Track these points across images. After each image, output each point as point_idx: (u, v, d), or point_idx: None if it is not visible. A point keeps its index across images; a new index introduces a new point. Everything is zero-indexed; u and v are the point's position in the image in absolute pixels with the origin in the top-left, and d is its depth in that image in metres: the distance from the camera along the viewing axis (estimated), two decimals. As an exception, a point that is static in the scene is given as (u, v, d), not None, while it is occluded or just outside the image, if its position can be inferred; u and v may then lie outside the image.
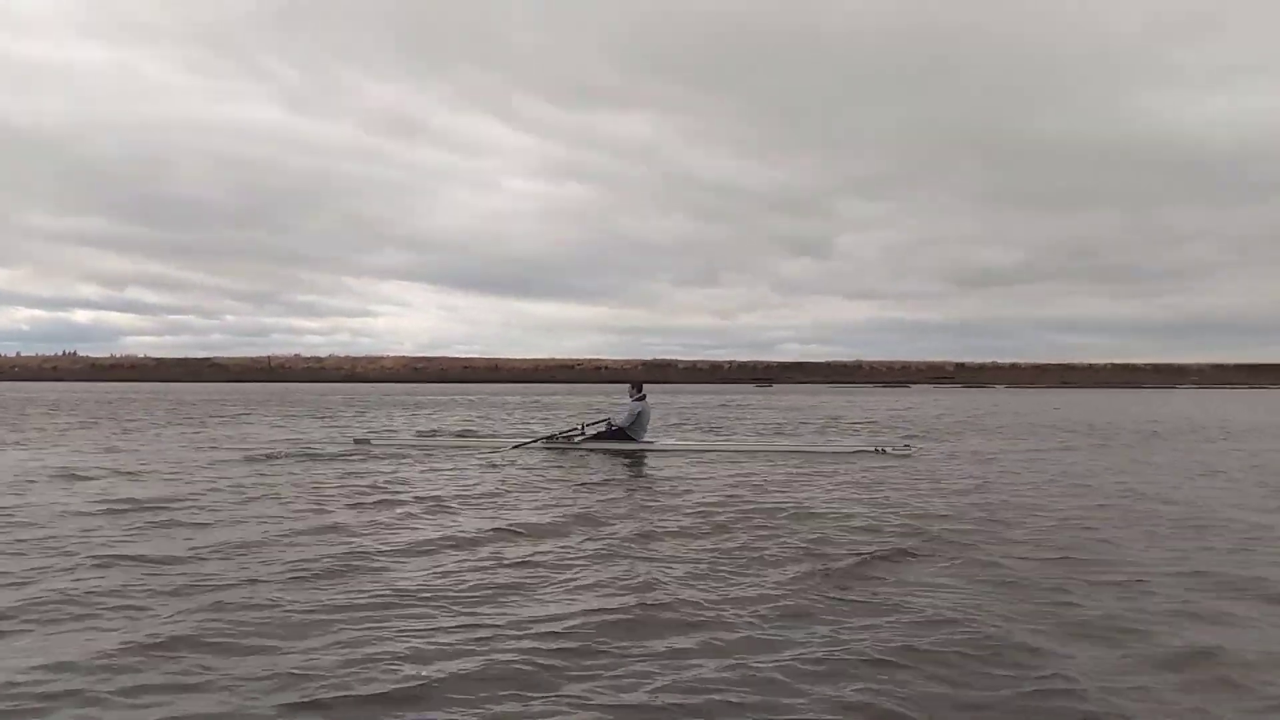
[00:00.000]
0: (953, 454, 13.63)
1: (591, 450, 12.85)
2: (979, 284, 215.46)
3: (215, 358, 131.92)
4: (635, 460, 12.07)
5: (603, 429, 13.25)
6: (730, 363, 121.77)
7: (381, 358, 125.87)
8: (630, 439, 13.00)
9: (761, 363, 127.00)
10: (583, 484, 9.38)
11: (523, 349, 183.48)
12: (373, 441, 14.01)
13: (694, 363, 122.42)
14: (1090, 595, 4.67)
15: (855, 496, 8.47)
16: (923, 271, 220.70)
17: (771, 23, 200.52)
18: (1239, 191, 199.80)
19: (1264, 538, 6.45)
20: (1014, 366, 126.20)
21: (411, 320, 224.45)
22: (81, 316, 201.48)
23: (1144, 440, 17.23)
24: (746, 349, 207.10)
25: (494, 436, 15.69)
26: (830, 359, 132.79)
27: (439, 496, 8.23)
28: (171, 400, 40.28)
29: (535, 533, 6.42)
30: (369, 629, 3.98)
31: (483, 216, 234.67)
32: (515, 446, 13.26)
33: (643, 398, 13.34)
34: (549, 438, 13.61)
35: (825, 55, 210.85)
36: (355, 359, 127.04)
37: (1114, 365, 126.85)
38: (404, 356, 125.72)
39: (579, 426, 13.58)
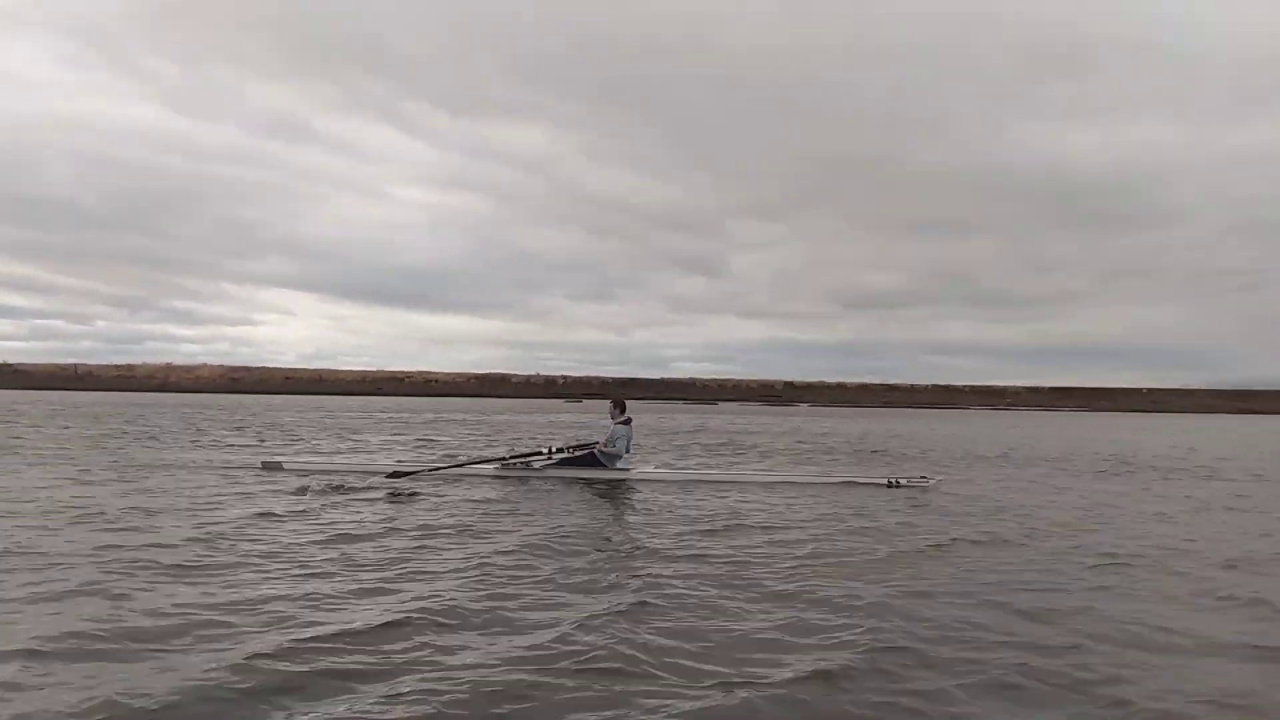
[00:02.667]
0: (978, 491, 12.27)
1: (557, 478, 11.38)
2: (864, 306, 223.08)
3: (19, 364, 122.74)
4: (608, 491, 10.70)
5: (569, 454, 11.72)
6: (564, 377, 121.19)
7: (198, 367, 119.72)
8: (600, 465, 11.58)
9: (597, 378, 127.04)
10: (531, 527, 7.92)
11: (414, 362, 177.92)
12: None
13: (528, 377, 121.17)
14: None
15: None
16: (812, 293, 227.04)
17: (670, 42, 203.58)
18: (1107, 222, 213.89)
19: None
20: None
21: (295, 330, 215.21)
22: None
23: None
24: (641, 366, 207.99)
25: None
26: (667, 376, 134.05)
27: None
28: None
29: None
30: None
31: (371, 224, 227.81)
32: (455, 466, 11.99)
33: (627, 421, 11.86)
34: (502, 460, 11.90)
35: (722, 77, 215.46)
36: (173, 367, 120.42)
37: (936, 386, 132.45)
38: (221, 366, 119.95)
39: (547, 450, 11.94)
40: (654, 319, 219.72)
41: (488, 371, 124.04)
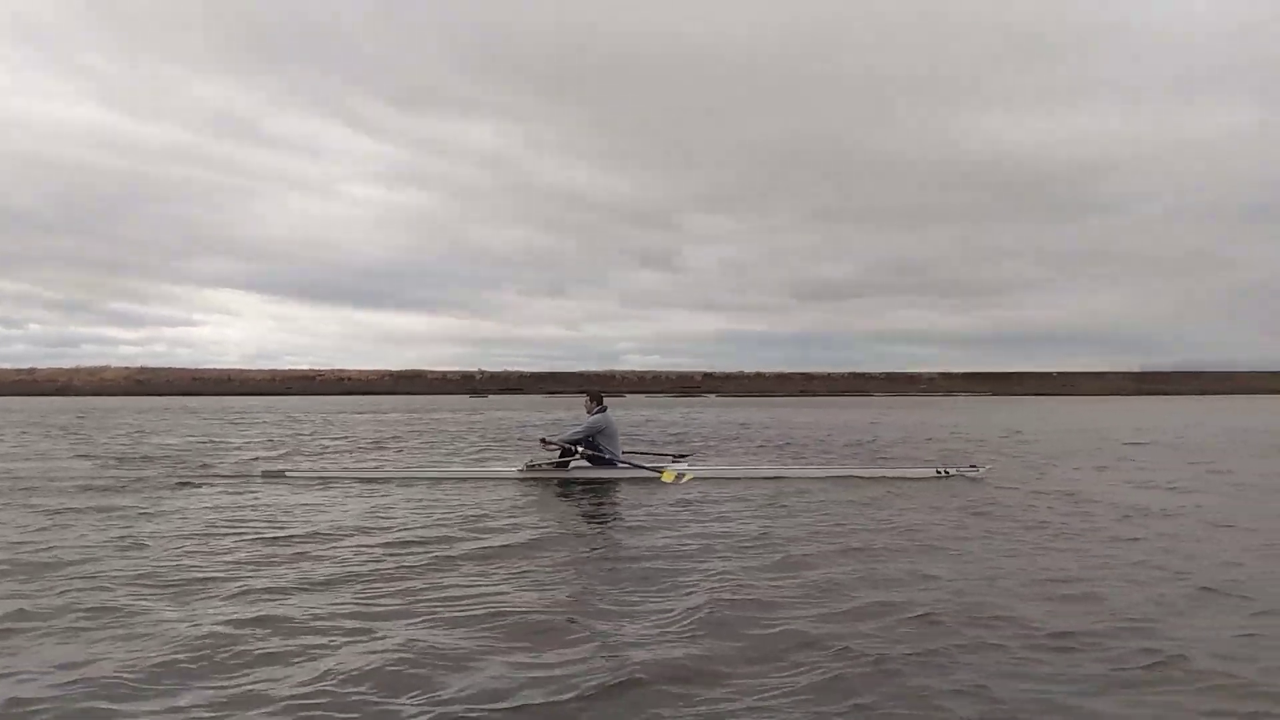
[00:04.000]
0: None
1: (563, 478, 10.93)
2: (817, 297, 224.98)
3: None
4: (601, 490, 10.20)
5: (555, 454, 11.17)
6: (481, 372, 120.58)
7: (102, 369, 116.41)
8: (609, 462, 11.02)
9: (513, 374, 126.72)
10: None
11: (363, 360, 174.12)
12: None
13: (444, 373, 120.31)
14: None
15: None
16: (765, 284, 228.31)
17: (621, 35, 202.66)
18: (1059, 211, 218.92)
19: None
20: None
21: (240, 330, 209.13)
22: None
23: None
24: (592, 359, 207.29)
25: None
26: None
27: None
28: None
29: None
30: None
31: (317, 222, 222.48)
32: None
33: (603, 410, 11.36)
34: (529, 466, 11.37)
35: (674, 69, 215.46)
36: (74, 370, 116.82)
37: (849, 374, 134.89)
38: (126, 368, 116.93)
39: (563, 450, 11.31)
40: (606, 313, 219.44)
41: (403, 369, 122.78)
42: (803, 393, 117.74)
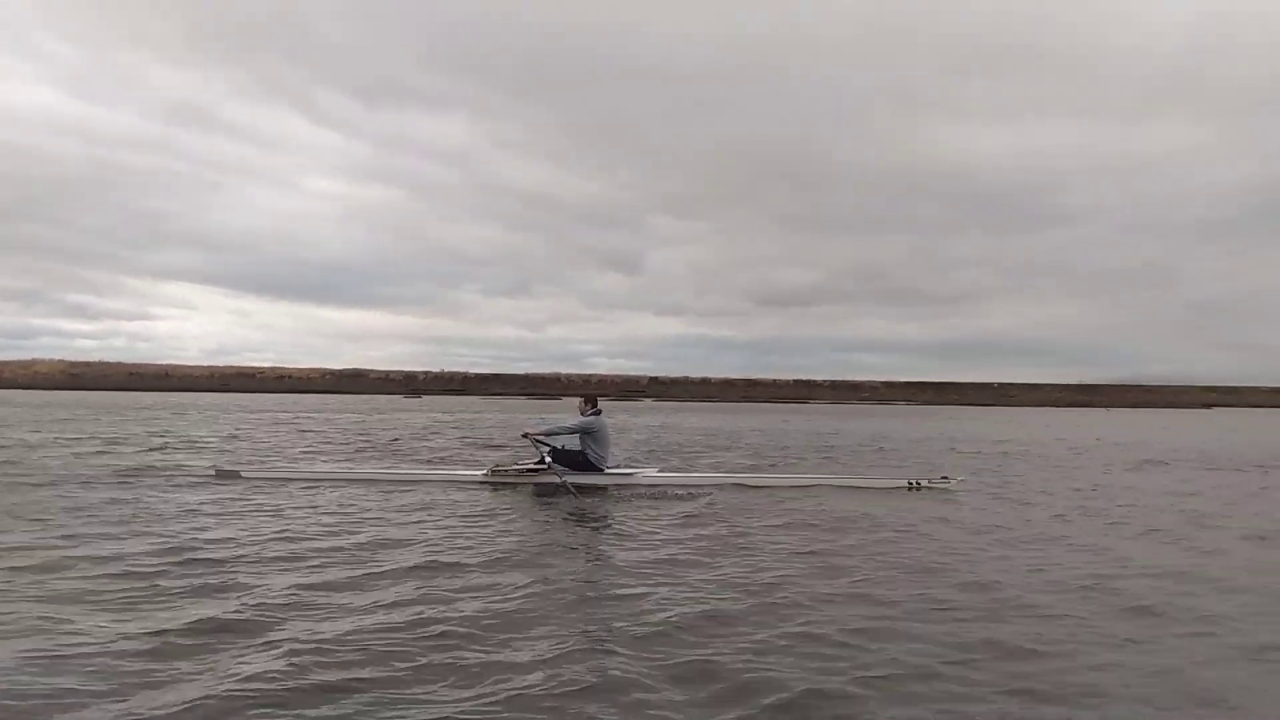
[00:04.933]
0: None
1: (535, 484, 10.40)
2: (780, 303, 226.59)
3: None
4: (592, 498, 9.63)
5: (544, 454, 10.47)
6: (426, 373, 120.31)
7: (34, 362, 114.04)
8: (595, 468, 10.44)
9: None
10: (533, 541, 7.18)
11: (322, 358, 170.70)
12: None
13: (387, 373, 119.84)
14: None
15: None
16: (728, 289, 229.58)
17: (592, 36, 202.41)
18: (1016, 222, 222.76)
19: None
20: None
21: (199, 324, 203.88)
22: None
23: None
24: (554, 361, 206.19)
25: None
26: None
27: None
28: None
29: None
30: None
31: (279, 216, 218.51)
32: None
33: (597, 412, 10.74)
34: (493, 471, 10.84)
35: (644, 73, 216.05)
36: (7, 362, 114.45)
37: (793, 381, 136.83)
38: (62, 361, 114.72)
39: (542, 456, 10.55)
40: (570, 315, 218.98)
41: (344, 368, 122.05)
42: (745, 399, 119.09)
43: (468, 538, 7.23)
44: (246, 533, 7.35)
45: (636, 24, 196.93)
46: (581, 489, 9.85)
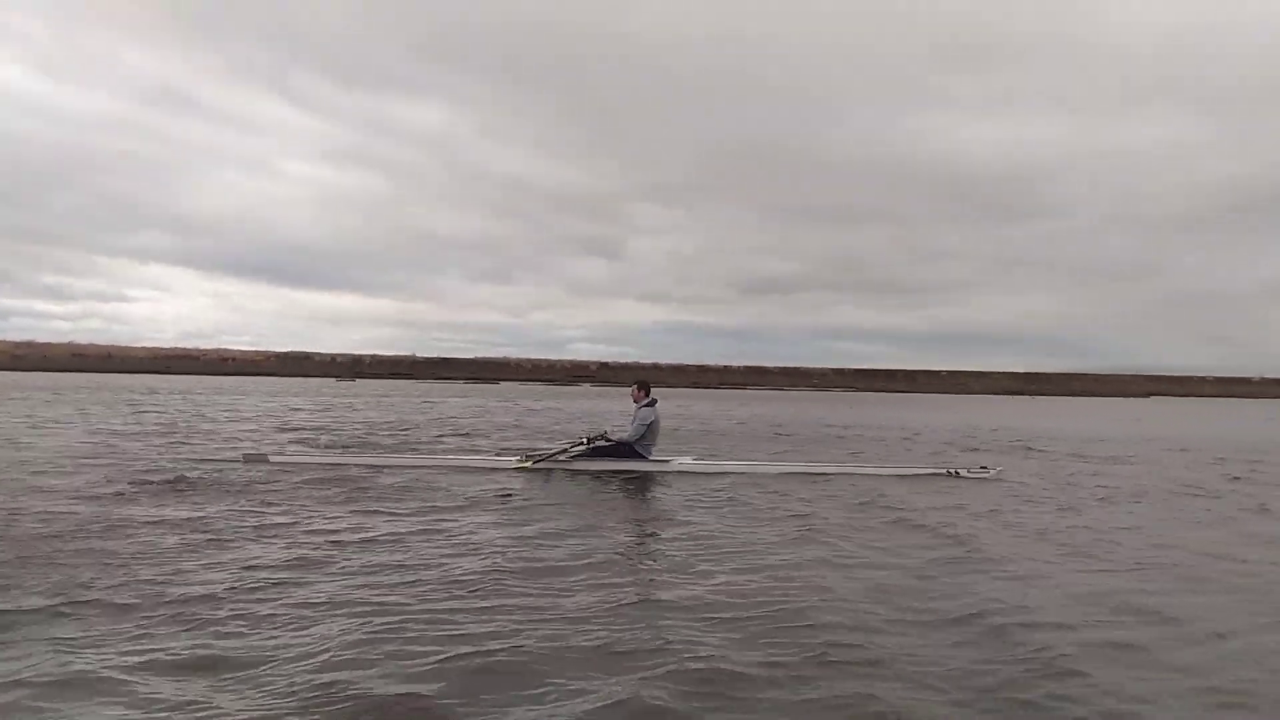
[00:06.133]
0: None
1: (585, 470, 10.22)
2: (761, 291, 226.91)
3: None
4: (643, 483, 9.57)
5: (600, 443, 10.44)
6: (372, 356, 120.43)
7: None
8: (639, 455, 10.45)
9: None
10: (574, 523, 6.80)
11: (301, 341, 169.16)
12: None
13: (333, 356, 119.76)
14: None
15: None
16: (710, 278, 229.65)
17: (576, 24, 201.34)
18: (996, 214, 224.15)
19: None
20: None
21: (174, 306, 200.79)
22: None
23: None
24: (537, 347, 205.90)
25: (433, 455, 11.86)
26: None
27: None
28: None
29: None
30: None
31: (256, 199, 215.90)
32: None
33: (652, 403, 10.63)
34: (528, 457, 10.58)
35: (628, 62, 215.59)
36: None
37: (746, 368, 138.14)
38: (7, 342, 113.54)
39: (583, 440, 10.57)
40: (552, 301, 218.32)
41: (289, 350, 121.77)
42: (695, 385, 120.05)
43: (526, 525, 6.79)
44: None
45: (620, 14, 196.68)
46: (624, 475, 9.96)
